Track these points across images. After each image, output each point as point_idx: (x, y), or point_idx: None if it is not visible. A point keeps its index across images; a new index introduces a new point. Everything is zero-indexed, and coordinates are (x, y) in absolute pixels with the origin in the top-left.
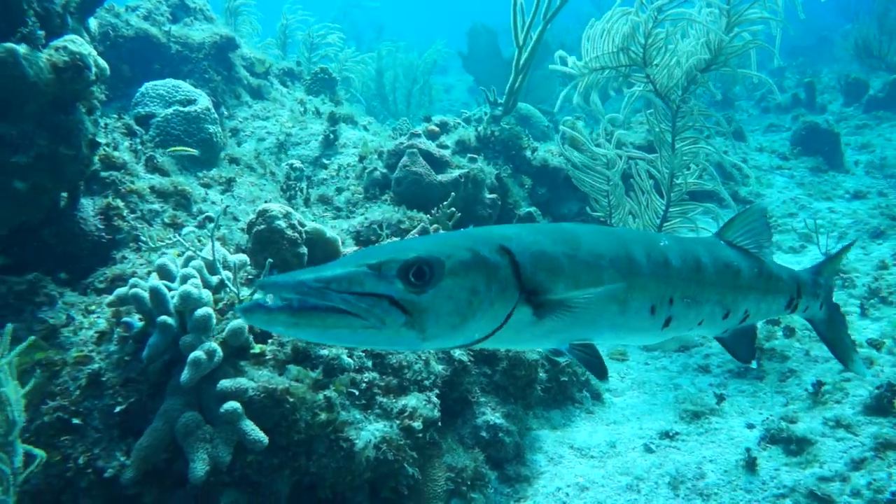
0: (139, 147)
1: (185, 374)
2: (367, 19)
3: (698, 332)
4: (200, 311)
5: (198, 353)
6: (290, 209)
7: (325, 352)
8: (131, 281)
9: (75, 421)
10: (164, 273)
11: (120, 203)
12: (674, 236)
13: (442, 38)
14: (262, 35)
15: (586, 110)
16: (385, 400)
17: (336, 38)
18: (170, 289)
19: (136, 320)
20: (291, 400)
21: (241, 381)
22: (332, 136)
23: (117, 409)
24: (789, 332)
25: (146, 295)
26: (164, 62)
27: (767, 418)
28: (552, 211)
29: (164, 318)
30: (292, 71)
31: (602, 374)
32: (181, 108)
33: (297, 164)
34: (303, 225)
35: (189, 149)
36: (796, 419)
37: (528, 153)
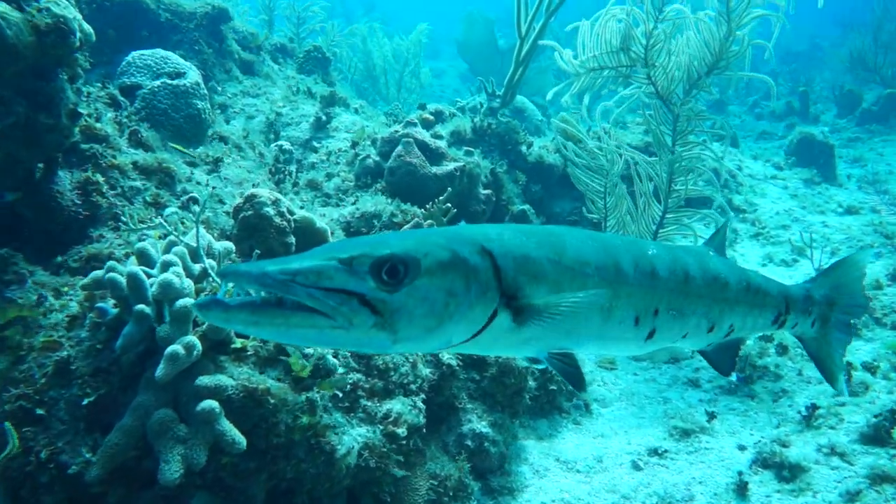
0: (123, 119)
1: (160, 369)
2: None
3: (682, 344)
4: (181, 303)
5: (175, 348)
6: (280, 195)
7: (309, 350)
8: (108, 264)
9: (39, 411)
10: (144, 258)
11: (100, 178)
12: (664, 245)
13: (434, 20)
14: (242, 1)
15: (579, 107)
16: (369, 403)
17: (319, 10)
18: (149, 275)
19: (110, 306)
20: (272, 401)
21: (221, 379)
22: (324, 118)
23: (85, 400)
24: (782, 349)
25: (123, 280)
26: (152, 29)
27: (759, 440)
28: (545, 209)
29: (140, 306)
30: (285, 47)
31: (580, 385)
32: (169, 81)
33: (287, 146)
34: (292, 213)
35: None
36: (789, 443)
37: (524, 148)
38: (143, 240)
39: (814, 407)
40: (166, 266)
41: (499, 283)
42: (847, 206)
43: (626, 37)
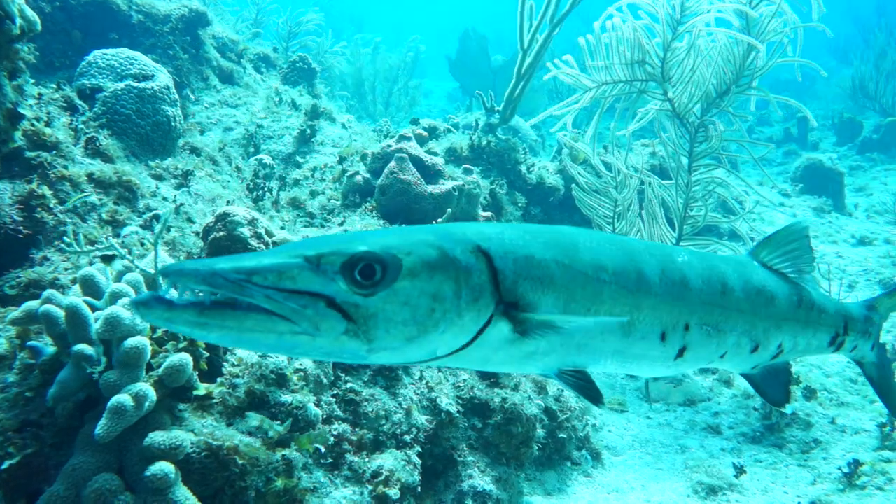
0: (80, 125)
1: (101, 426)
2: (348, 15)
3: (721, 365)
4: (131, 342)
5: (121, 398)
6: (257, 214)
7: (287, 398)
8: (45, 293)
9: None
10: (90, 287)
11: (46, 191)
12: (697, 252)
13: (422, 39)
14: (231, 13)
15: (584, 128)
16: (356, 459)
17: (313, 26)
18: (94, 308)
19: (46, 344)
20: (241, 462)
21: (178, 435)
22: (308, 131)
23: (6, 463)
24: (809, 393)
25: (61, 314)
26: (122, 32)
27: (798, 501)
28: None
29: (81, 346)
30: (268, 57)
31: (596, 399)
32: (135, 84)
33: (268, 160)
34: (271, 234)
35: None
36: None
37: (524, 168)
38: (94, 263)
39: (856, 463)
40: (115, 297)
41: (496, 288)
42: (860, 236)
43: (643, 49)
